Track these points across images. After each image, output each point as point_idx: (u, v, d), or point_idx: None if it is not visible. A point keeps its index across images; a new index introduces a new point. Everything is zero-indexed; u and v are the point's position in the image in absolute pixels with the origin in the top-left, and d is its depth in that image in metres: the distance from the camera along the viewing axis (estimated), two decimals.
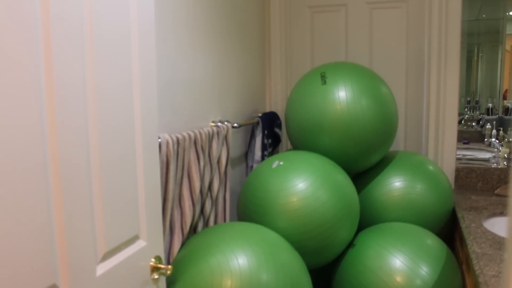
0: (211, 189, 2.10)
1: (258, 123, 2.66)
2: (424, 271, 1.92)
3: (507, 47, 2.88)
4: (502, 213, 2.20)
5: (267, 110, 3.01)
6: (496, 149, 2.88)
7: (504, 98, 2.95)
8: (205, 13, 2.16)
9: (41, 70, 0.91)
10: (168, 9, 1.85)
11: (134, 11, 1.25)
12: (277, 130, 2.86)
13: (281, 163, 2.15)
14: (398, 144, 3.13)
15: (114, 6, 1.16)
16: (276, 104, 3.04)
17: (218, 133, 2.10)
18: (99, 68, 1.10)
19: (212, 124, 2.19)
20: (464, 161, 2.76)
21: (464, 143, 3.24)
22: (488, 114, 3.29)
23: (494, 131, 3.11)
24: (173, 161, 1.74)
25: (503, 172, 2.66)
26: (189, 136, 1.87)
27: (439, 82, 2.63)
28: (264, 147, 2.65)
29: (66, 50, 0.98)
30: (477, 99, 3.49)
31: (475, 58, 3.47)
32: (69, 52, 0.99)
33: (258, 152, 2.63)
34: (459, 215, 2.17)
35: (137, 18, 1.26)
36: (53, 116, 0.95)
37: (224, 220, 2.24)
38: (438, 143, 2.68)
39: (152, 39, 1.35)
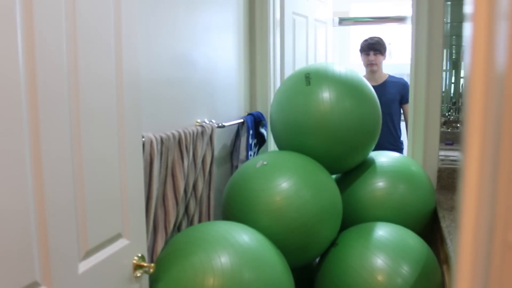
0: (196, 189, 2.11)
1: (243, 123, 2.68)
2: (405, 270, 1.95)
3: None
4: None
5: (253, 110, 3.03)
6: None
7: None
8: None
9: (23, 73, 0.92)
10: (152, 7, 1.86)
11: (119, 10, 1.26)
12: (262, 130, 2.88)
13: (265, 162, 2.17)
14: None
15: (98, 4, 1.18)
16: (261, 104, 3.05)
17: (202, 132, 2.12)
18: (82, 66, 1.11)
19: (197, 123, 2.20)
20: (447, 162, 2.80)
21: (448, 144, 3.28)
22: None
23: None
24: (157, 160, 1.75)
25: None
26: (173, 135, 1.88)
27: (422, 83, 2.66)
28: (249, 147, 2.67)
29: (49, 50, 0.99)
30: (462, 100, 3.53)
31: (462, 60, 3.51)
32: (52, 50, 1.00)
33: (243, 152, 2.64)
34: (440, 215, 2.20)
35: (122, 16, 1.27)
36: (36, 112, 0.96)
37: (209, 219, 2.26)
38: (421, 144, 2.71)
39: (136, 37, 1.36)
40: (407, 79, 3.46)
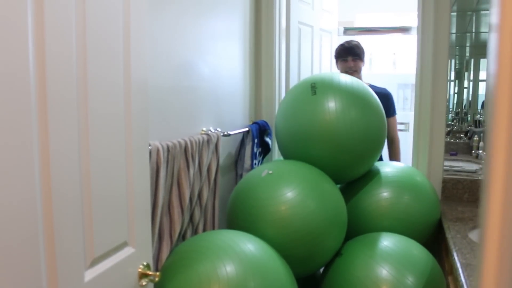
0: (201, 197, 2.11)
1: (248, 131, 2.68)
2: (410, 281, 1.94)
3: None
4: None
5: (258, 119, 3.03)
6: (483, 161, 2.91)
7: None
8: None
9: (33, 80, 0.92)
10: (159, 15, 1.87)
11: (128, 19, 1.27)
12: (267, 139, 2.88)
13: (270, 172, 2.17)
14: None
15: (107, 11, 1.18)
16: (266, 113, 3.06)
17: (208, 141, 2.12)
18: (91, 74, 1.11)
19: (203, 132, 2.21)
20: (451, 173, 2.79)
21: (452, 155, 3.27)
22: (476, 126, 3.32)
23: (481, 143, 3.14)
24: (163, 169, 1.75)
25: None
26: (180, 143, 1.88)
27: (427, 93, 2.66)
28: (254, 156, 2.67)
29: (58, 58, 0.99)
30: (465, 111, 3.52)
31: (465, 70, 3.51)
32: (62, 58, 1.00)
33: (248, 161, 2.64)
34: (445, 225, 2.19)
35: (130, 25, 1.28)
36: (46, 119, 0.96)
37: (213, 228, 2.25)
38: (425, 154, 2.71)
39: (145, 45, 1.36)
40: (412, 89, 3.41)
